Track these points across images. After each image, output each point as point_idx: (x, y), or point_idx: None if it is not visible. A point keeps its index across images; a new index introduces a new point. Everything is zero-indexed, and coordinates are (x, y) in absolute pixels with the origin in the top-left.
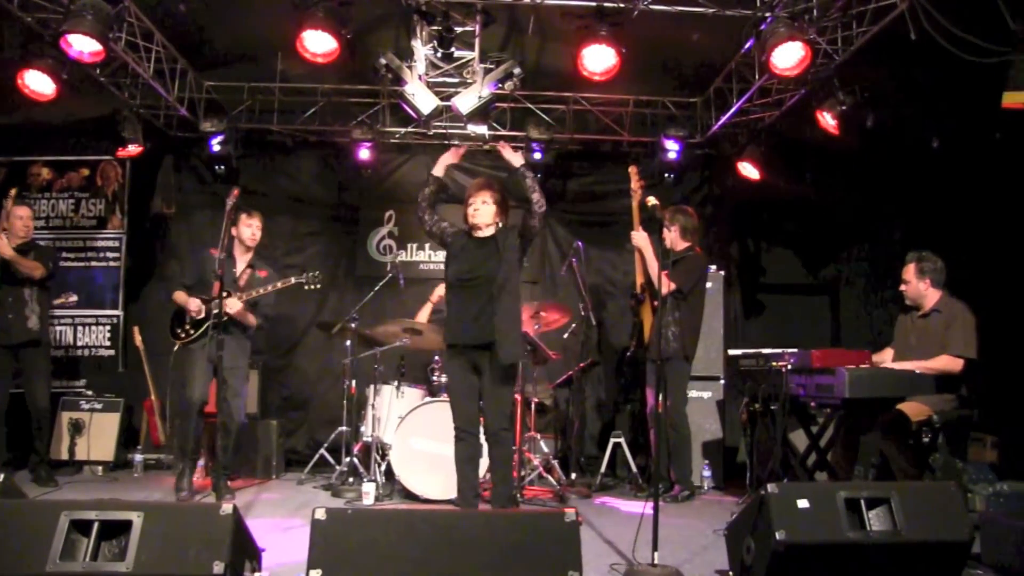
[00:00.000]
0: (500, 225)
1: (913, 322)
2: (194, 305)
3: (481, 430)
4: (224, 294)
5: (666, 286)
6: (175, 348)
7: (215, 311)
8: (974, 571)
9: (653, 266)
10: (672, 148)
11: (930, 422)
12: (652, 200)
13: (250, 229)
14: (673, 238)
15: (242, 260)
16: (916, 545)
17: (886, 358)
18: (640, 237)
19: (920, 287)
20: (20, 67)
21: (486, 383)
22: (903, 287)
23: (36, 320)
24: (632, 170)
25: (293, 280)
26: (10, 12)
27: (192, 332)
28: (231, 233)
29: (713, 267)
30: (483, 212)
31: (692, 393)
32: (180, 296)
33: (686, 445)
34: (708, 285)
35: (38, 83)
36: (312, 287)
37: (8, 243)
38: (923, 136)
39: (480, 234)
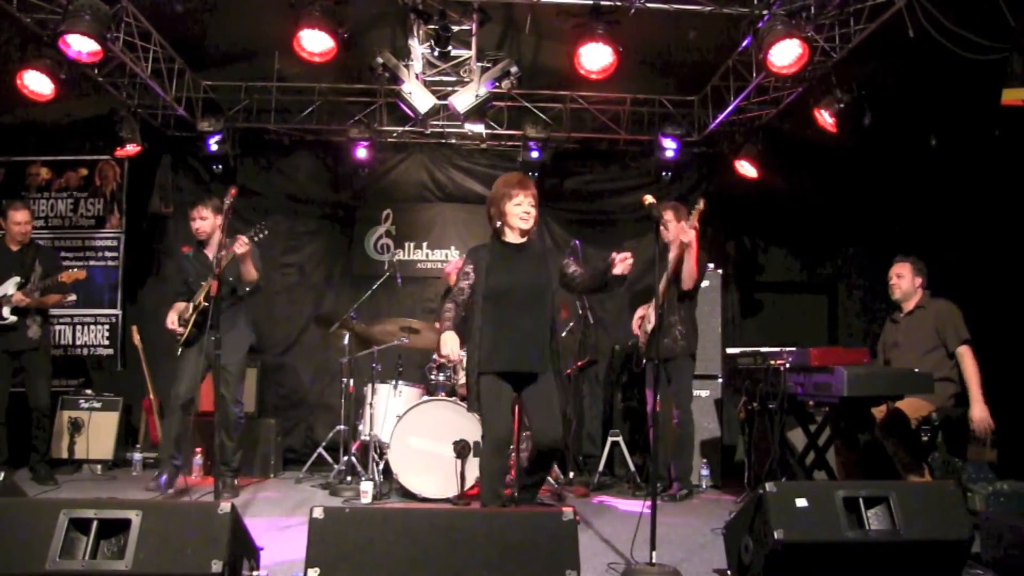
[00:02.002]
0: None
1: (897, 323)
2: (170, 320)
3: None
4: (204, 283)
5: (691, 279)
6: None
7: (203, 306)
8: (974, 571)
9: (689, 267)
10: (669, 147)
11: (929, 420)
12: (649, 199)
13: (195, 223)
14: (674, 235)
15: (211, 248)
16: (915, 544)
17: None
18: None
19: (915, 283)
20: (19, 67)
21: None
22: (896, 281)
23: (37, 328)
24: (699, 207)
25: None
26: (8, 13)
27: (183, 331)
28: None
29: (711, 265)
30: (534, 215)
31: None
32: (175, 308)
33: (690, 443)
34: (705, 284)
35: (36, 83)
36: (257, 237)
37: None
38: (921, 134)
39: (519, 240)
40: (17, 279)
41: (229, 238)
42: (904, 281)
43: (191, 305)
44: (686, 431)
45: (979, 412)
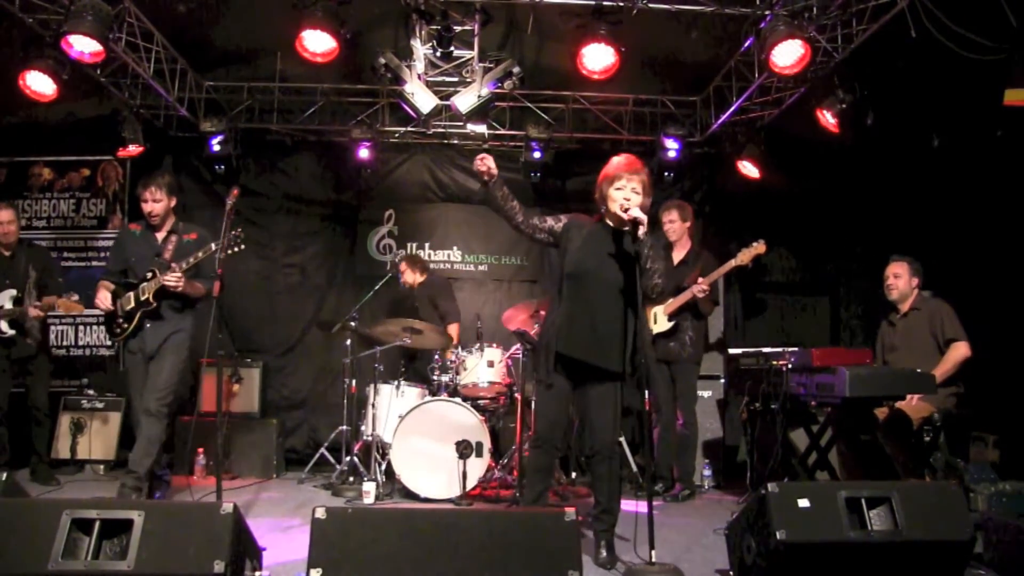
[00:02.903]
0: None
1: (894, 325)
2: (99, 297)
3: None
4: (149, 274)
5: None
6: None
7: (143, 296)
8: (976, 571)
9: (711, 279)
10: (672, 147)
11: (931, 420)
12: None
13: (147, 204)
14: (680, 232)
15: (162, 231)
16: (917, 545)
17: None
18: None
19: (911, 283)
20: (21, 68)
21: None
22: (892, 281)
23: (36, 334)
24: (760, 248)
25: (214, 246)
26: (11, 13)
27: (127, 326)
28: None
29: None
30: (637, 202)
31: None
32: (100, 286)
33: (693, 446)
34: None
35: (39, 84)
36: (233, 250)
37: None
38: (924, 134)
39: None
40: (13, 292)
41: (175, 232)
42: (901, 281)
43: (132, 296)
44: (691, 432)
45: (915, 401)
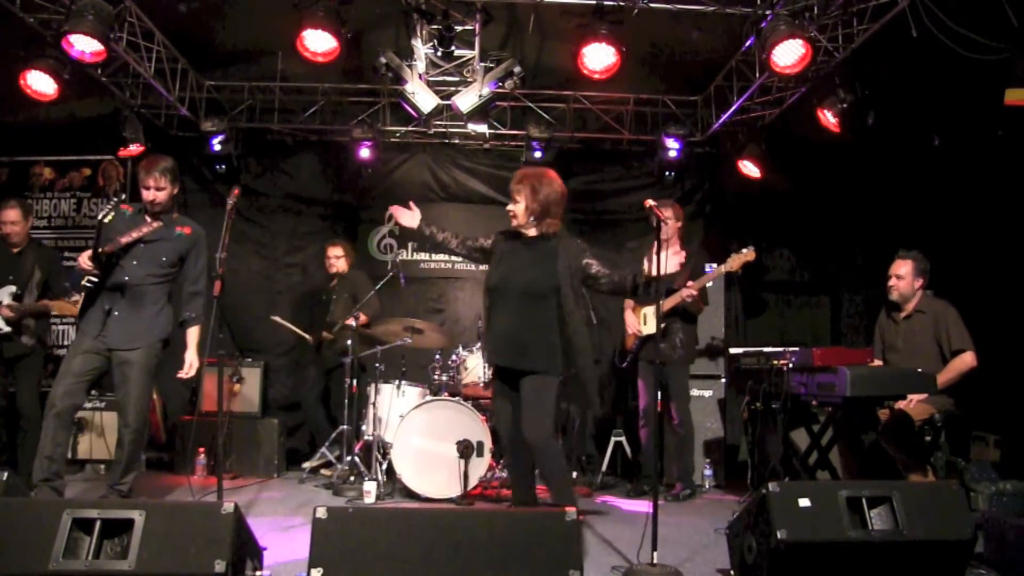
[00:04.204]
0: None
1: (897, 324)
2: (86, 257)
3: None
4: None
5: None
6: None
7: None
8: (977, 571)
9: (700, 284)
10: (672, 147)
11: (932, 421)
12: (650, 202)
13: (149, 192)
14: (670, 233)
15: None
16: (918, 544)
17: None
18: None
19: (914, 285)
20: (22, 67)
21: None
22: (894, 282)
23: (31, 334)
24: (750, 255)
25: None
26: (12, 13)
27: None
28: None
29: (714, 265)
30: (514, 212)
31: (693, 392)
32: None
33: (691, 444)
34: (708, 284)
35: (40, 83)
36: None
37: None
38: (925, 134)
39: (530, 234)
40: (12, 289)
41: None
42: (903, 283)
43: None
44: (686, 431)
45: (914, 402)
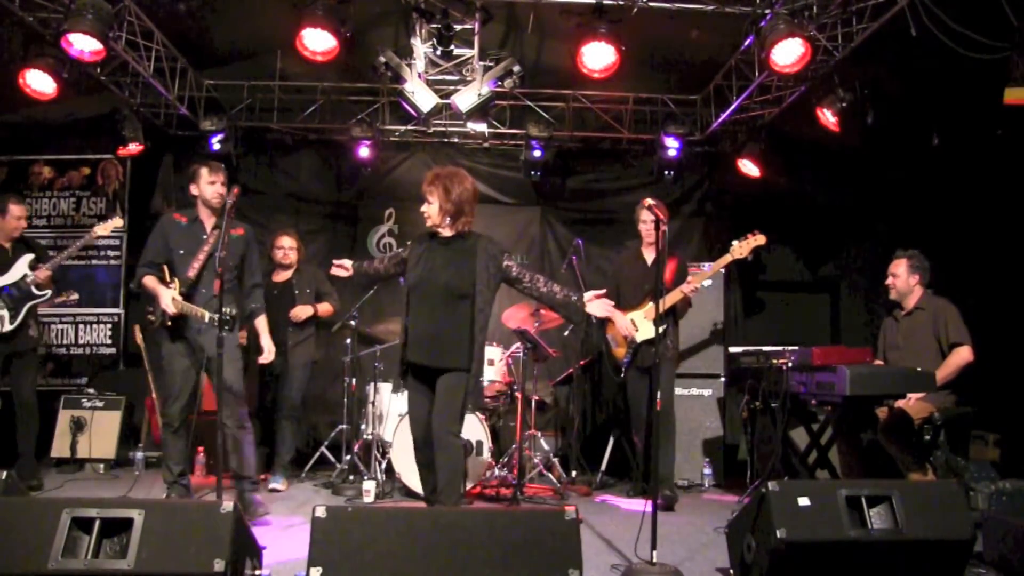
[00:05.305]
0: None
1: (897, 321)
2: (166, 299)
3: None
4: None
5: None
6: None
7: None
8: (976, 570)
9: (703, 278)
10: (672, 146)
11: (931, 420)
12: (649, 201)
13: (214, 187)
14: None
15: (208, 222)
16: (918, 543)
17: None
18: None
19: (910, 282)
20: (21, 66)
21: None
22: (891, 281)
23: (35, 327)
24: (760, 239)
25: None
26: (11, 11)
27: (168, 321)
28: (191, 193)
29: (705, 265)
30: (426, 212)
31: (693, 391)
32: (150, 282)
33: (673, 442)
34: (708, 283)
35: (39, 82)
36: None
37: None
38: (924, 133)
39: (447, 234)
40: (30, 257)
41: (219, 229)
42: (899, 280)
43: (176, 285)
44: (670, 429)
45: (913, 401)
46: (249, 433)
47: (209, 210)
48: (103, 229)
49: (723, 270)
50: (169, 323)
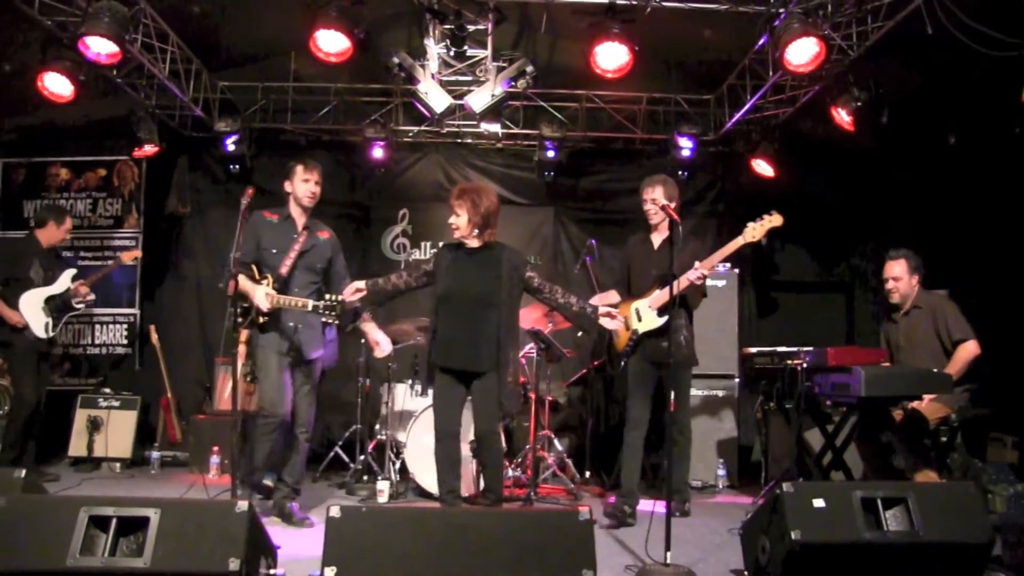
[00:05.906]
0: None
1: (896, 322)
2: (259, 295)
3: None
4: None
5: (698, 302)
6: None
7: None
8: (995, 574)
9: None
10: (685, 146)
11: (948, 421)
12: (662, 201)
13: (307, 185)
14: (663, 213)
15: (300, 221)
16: (934, 546)
17: None
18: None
19: (912, 283)
20: (39, 69)
21: None
22: (893, 284)
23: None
24: (776, 220)
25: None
26: (29, 15)
27: (261, 318)
28: (285, 190)
29: (727, 265)
30: (455, 224)
31: (706, 392)
32: (242, 281)
33: (687, 453)
34: (721, 283)
35: (57, 85)
36: (328, 318)
37: None
38: (940, 132)
39: (474, 245)
40: (73, 271)
41: (308, 229)
42: (902, 283)
43: (271, 279)
44: (686, 439)
45: (927, 402)
46: (308, 444)
47: (301, 208)
48: (127, 258)
49: (736, 271)
50: (262, 319)
